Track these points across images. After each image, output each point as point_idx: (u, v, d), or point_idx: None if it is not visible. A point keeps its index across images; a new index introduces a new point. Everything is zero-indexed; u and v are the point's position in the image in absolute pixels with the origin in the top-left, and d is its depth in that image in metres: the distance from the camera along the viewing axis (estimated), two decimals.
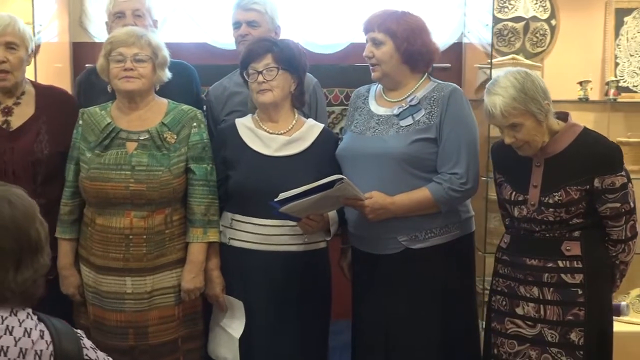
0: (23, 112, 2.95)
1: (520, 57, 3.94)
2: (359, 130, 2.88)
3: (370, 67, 2.86)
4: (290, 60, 2.87)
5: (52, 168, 2.91)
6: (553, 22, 4.07)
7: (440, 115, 2.75)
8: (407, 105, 2.81)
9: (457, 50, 4.10)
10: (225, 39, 4.14)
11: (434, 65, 3.00)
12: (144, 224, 2.74)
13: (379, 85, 2.96)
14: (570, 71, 3.99)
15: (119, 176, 2.73)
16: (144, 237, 2.74)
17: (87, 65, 4.17)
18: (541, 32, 4.06)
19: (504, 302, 2.75)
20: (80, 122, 2.87)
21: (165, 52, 2.88)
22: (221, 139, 2.95)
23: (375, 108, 2.90)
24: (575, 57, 4.08)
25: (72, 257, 2.86)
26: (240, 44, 3.23)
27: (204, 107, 3.27)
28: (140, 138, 2.80)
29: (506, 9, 4.01)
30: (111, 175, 2.74)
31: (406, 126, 2.77)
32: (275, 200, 2.58)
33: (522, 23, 4.03)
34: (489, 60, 3.77)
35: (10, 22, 2.90)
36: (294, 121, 2.93)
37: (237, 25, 3.27)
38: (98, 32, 4.21)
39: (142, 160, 2.76)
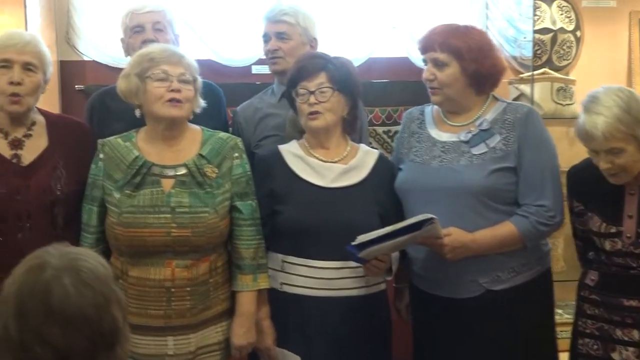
0: (35, 145, 2.44)
1: (551, 71, 3.59)
2: (421, 160, 2.46)
3: (430, 90, 2.44)
4: (346, 80, 2.44)
5: (71, 209, 2.41)
6: (578, 33, 3.75)
7: (518, 141, 2.34)
8: (477, 130, 2.40)
9: None
10: (232, 55, 3.70)
11: None
12: (188, 274, 2.26)
13: (434, 106, 2.56)
14: (596, 85, 3.65)
15: (157, 220, 2.24)
16: (188, 289, 2.26)
17: (77, 86, 3.67)
18: (567, 44, 3.71)
19: (595, 347, 2.38)
20: (101, 155, 2.36)
21: (200, 77, 2.41)
22: (264, 168, 2.48)
23: (437, 134, 2.47)
24: (600, 70, 3.75)
25: None
26: (271, 60, 2.80)
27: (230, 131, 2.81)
28: (178, 174, 2.32)
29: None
30: (148, 219, 2.24)
31: (480, 154, 2.36)
32: (353, 244, 2.15)
33: (550, 35, 3.68)
34: (521, 76, 3.42)
35: (31, 40, 2.41)
36: (348, 147, 2.49)
37: (265, 38, 2.82)
38: (87, 49, 3.70)
39: (183, 201, 2.27)
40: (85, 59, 3.70)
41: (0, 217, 2.33)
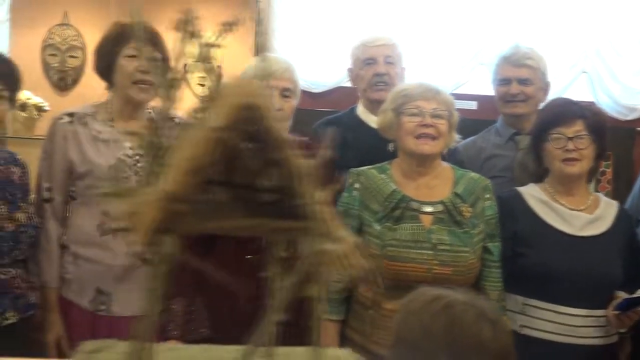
0: None
1: None
2: None
3: None
4: (601, 130, 2.38)
5: None
6: None
7: None
8: None
9: None
10: None
11: None
12: None
13: None
14: None
15: (420, 256, 2.19)
16: None
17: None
18: None
19: None
20: (357, 185, 2.32)
21: (456, 112, 2.38)
22: (506, 210, 2.40)
23: None
24: None
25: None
26: (510, 102, 2.73)
27: None
28: (435, 210, 2.27)
29: None
30: (411, 254, 2.19)
31: None
32: (634, 296, 2.09)
33: None
34: None
35: (288, 67, 2.42)
36: (591, 196, 2.43)
37: (505, 82, 2.74)
38: None
39: (444, 238, 2.22)
40: None
41: None
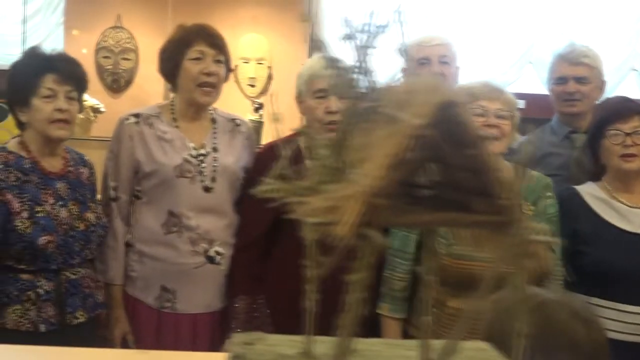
0: None
1: None
2: None
3: None
4: None
5: None
6: None
7: None
8: None
9: None
10: None
11: None
12: None
13: None
14: None
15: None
16: None
17: None
18: None
19: None
20: None
21: (518, 112, 2.37)
22: (566, 208, 2.39)
23: None
24: None
25: None
26: (567, 102, 2.71)
27: None
28: None
29: None
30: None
31: None
32: None
33: None
34: None
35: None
36: None
37: (562, 80, 2.72)
38: None
39: None
40: None
41: None
